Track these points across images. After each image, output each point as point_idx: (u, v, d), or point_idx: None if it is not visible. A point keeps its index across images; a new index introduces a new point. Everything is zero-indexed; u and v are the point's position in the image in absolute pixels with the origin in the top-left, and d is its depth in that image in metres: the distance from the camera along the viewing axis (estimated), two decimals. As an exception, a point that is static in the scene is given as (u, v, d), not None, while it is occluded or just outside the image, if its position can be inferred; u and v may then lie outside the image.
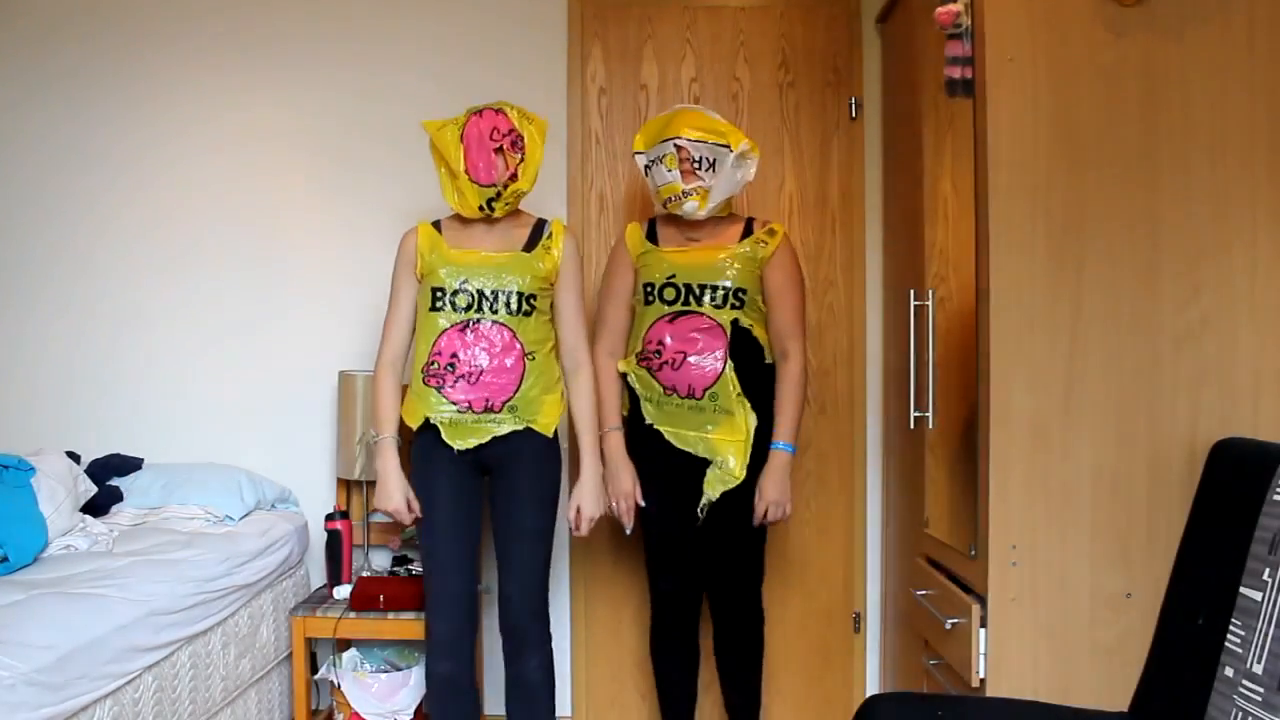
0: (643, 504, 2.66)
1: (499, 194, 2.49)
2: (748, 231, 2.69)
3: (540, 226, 2.60)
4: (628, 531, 2.69)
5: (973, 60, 2.21)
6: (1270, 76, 2.08)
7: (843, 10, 3.29)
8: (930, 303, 2.53)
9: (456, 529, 2.52)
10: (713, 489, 2.60)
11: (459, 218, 2.59)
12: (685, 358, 2.59)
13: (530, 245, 2.55)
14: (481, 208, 2.51)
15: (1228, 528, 1.77)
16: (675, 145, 2.58)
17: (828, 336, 3.30)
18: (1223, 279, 2.09)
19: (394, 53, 3.29)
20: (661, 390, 2.62)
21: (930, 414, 2.54)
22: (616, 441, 2.68)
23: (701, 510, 2.62)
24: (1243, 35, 2.08)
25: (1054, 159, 2.12)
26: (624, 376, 2.71)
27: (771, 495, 2.60)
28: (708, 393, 2.59)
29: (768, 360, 2.68)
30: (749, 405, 2.60)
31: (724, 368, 2.59)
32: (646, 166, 2.69)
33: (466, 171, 2.47)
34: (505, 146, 2.47)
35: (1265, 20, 2.08)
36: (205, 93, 3.31)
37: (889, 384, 3.20)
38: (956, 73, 2.27)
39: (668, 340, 2.61)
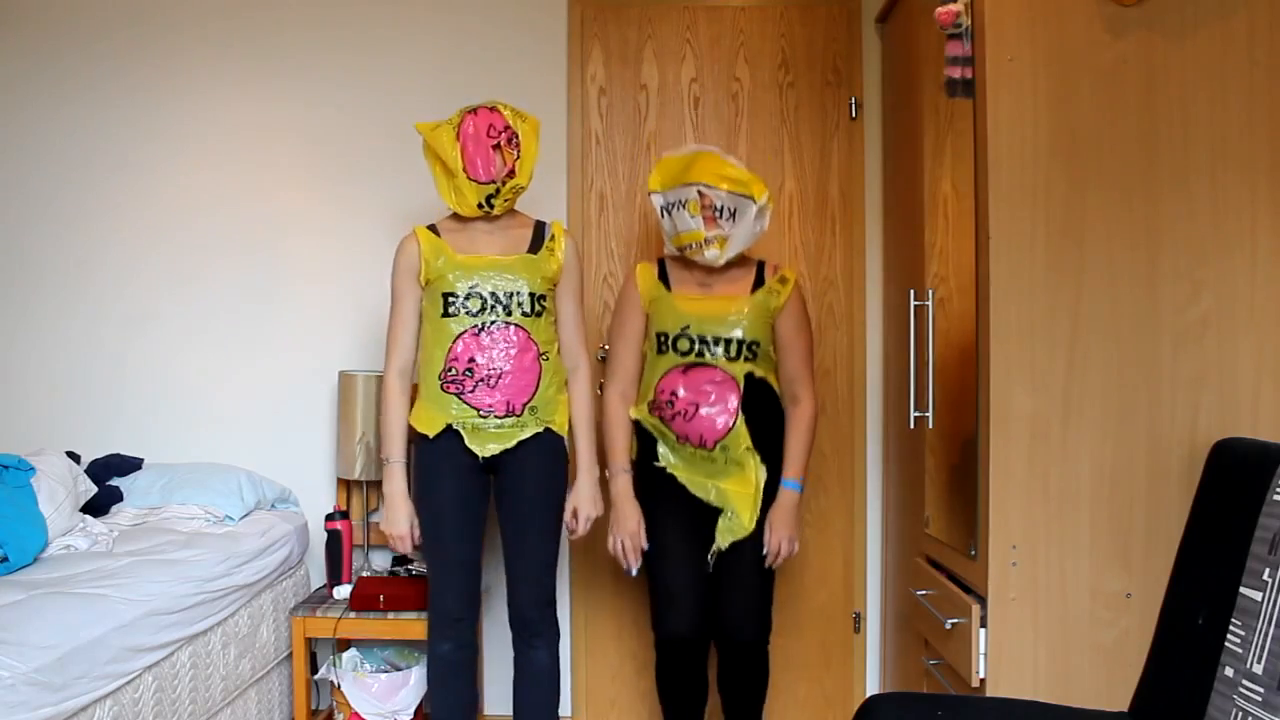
0: (645, 546, 2.64)
1: (497, 190, 2.49)
2: (759, 277, 2.67)
3: (540, 229, 2.60)
4: (633, 573, 2.67)
5: (973, 60, 2.21)
6: (1270, 75, 2.08)
7: (843, 10, 3.29)
8: (930, 303, 2.53)
9: (462, 522, 2.54)
10: (722, 539, 2.60)
11: (456, 218, 2.58)
12: (698, 410, 2.57)
13: (534, 247, 2.56)
14: (480, 205, 2.51)
15: (1228, 528, 1.77)
16: (699, 191, 2.54)
17: (828, 336, 3.29)
18: (1223, 279, 2.09)
19: (394, 55, 3.29)
20: (675, 439, 2.61)
21: (930, 414, 2.54)
22: (624, 484, 2.66)
23: (711, 557, 2.61)
24: (1243, 35, 2.08)
25: (1054, 159, 2.12)
26: (636, 422, 2.68)
27: (781, 531, 2.60)
28: (719, 445, 2.58)
29: (782, 405, 2.68)
30: (759, 458, 2.60)
31: (735, 421, 2.57)
32: (664, 209, 2.63)
33: (464, 169, 2.47)
34: (502, 143, 2.48)
35: (1265, 20, 2.08)
36: (207, 98, 3.31)
37: (889, 384, 3.20)
38: (956, 73, 2.27)
39: (681, 392, 2.59)
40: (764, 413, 2.63)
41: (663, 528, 2.64)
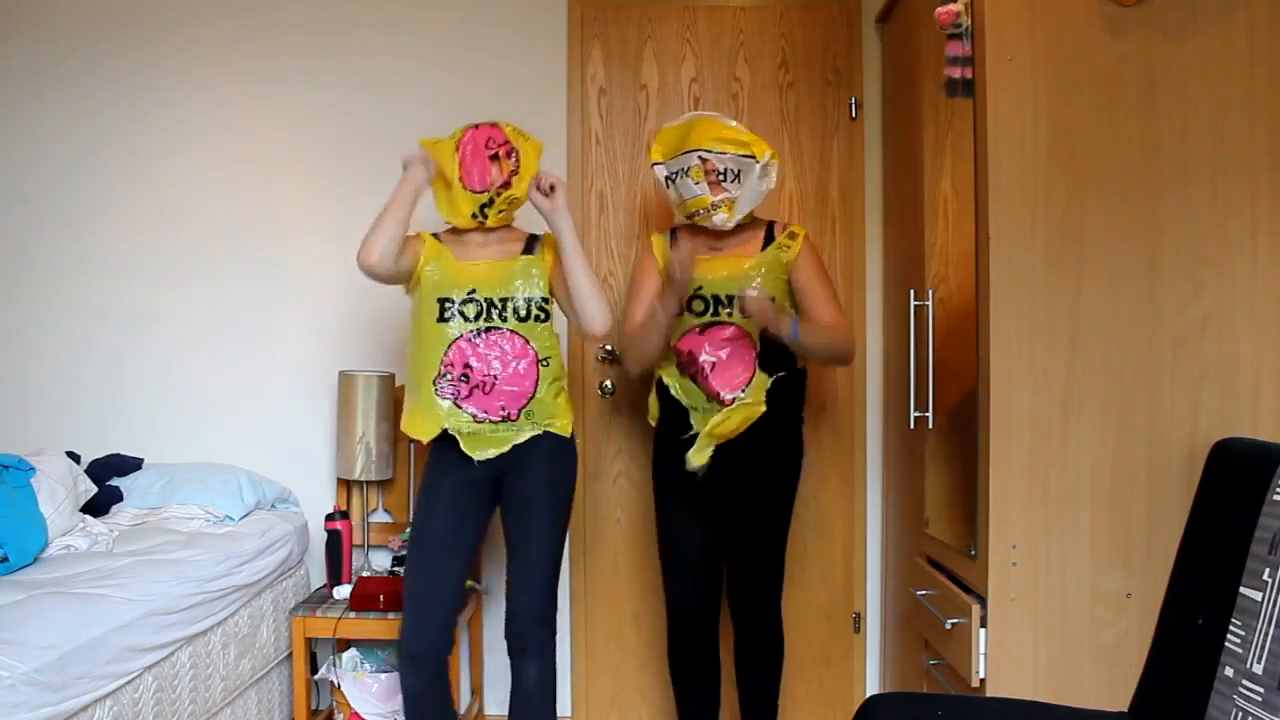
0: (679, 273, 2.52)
1: (492, 200, 2.48)
2: (769, 236, 2.68)
3: (532, 241, 2.60)
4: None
5: (973, 60, 2.21)
6: (1270, 75, 2.08)
7: (843, 10, 3.29)
8: (930, 303, 2.53)
9: (447, 543, 2.49)
10: (692, 459, 2.56)
11: (453, 231, 2.58)
12: (715, 367, 2.59)
13: (528, 254, 2.57)
14: (474, 215, 2.49)
15: (1228, 528, 1.77)
16: (700, 157, 2.55)
17: (828, 336, 3.29)
18: (1223, 279, 2.09)
19: (394, 56, 3.29)
20: (705, 398, 2.61)
21: (930, 414, 2.54)
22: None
23: (697, 473, 2.58)
24: (1243, 35, 2.08)
25: (1054, 159, 2.12)
26: (666, 388, 2.67)
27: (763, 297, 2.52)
28: (736, 400, 2.59)
29: (800, 365, 2.68)
30: (765, 402, 2.60)
31: (753, 375, 2.58)
32: (668, 178, 2.64)
33: (460, 179, 2.47)
34: (500, 154, 2.48)
35: (1265, 20, 2.08)
36: (209, 99, 3.31)
37: (889, 384, 3.20)
38: (956, 73, 2.27)
39: (700, 350, 2.60)
40: (781, 370, 2.61)
41: (673, 503, 2.68)
